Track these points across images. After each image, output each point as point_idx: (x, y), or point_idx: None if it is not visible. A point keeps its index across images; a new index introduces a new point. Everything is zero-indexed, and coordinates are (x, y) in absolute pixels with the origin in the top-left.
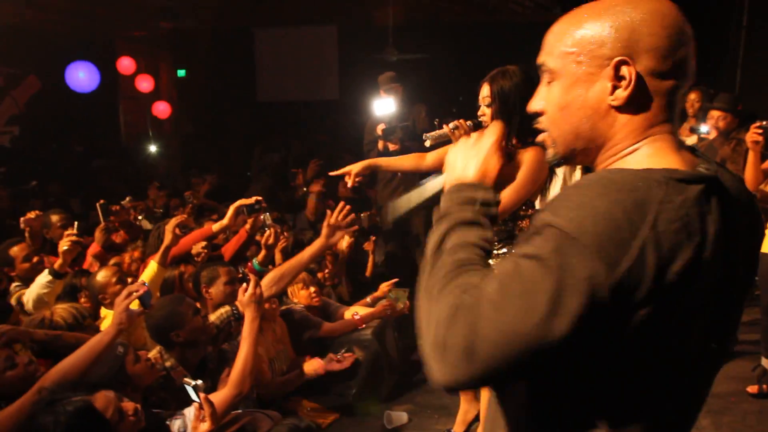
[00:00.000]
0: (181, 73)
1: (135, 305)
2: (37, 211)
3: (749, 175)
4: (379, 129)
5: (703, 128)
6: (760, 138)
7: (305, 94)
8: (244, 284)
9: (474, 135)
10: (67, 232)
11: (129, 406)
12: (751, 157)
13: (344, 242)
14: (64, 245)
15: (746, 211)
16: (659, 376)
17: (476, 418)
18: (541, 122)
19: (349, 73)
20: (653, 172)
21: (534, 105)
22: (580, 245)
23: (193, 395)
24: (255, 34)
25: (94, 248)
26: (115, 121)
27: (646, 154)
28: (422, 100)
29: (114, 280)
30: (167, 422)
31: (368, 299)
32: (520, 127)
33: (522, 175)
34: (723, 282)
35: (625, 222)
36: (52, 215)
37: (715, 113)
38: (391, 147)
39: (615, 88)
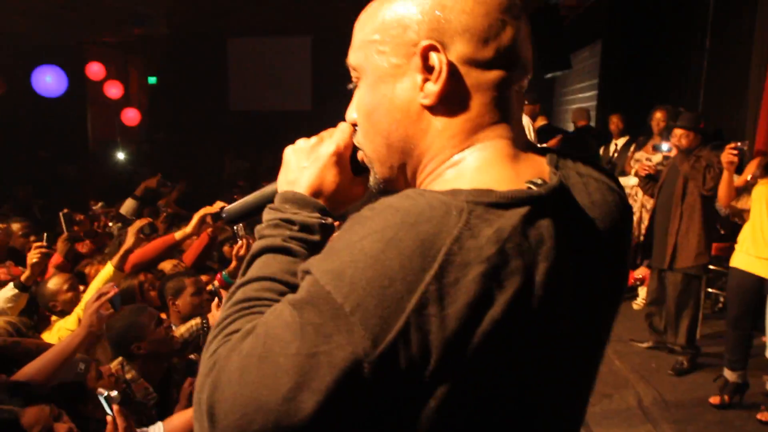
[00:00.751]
0: (152, 80)
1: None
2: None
3: (722, 192)
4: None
5: (665, 146)
6: (735, 159)
7: (278, 103)
8: (216, 299)
9: (320, 135)
10: (36, 244)
11: (61, 427)
12: (725, 176)
13: None
14: (33, 257)
15: (607, 213)
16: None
17: None
18: (357, 137)
19: (322, 84)
20: (458, 194)
21: (349, 116)
22: (335, 306)
23: (106, 407)
24: (228, 43)
25: (56, 259)
26: (83, 127)
27: (469, 168)
28: None
29: (65, 287)
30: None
31: None
32: None
33: None
34: (572, 314)
35: (398, 272)
36: (13, 224)
37: (678, 131)
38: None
39: (426, 81)
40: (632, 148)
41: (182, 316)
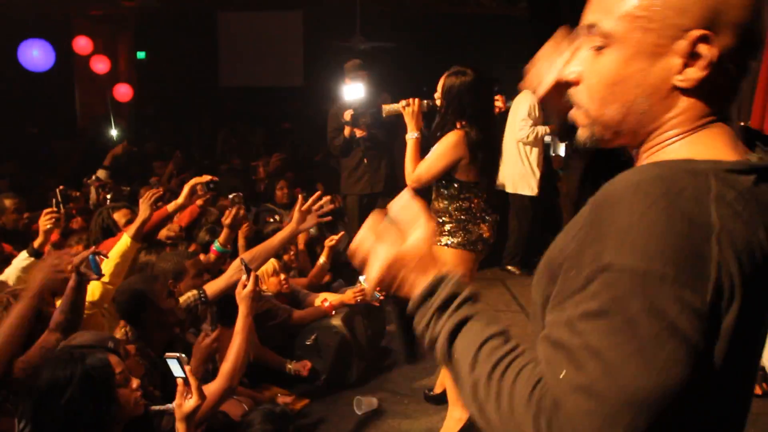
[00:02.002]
0: (141, 55)
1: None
2: None
3: None
4: (348, 115)
5: None
6: None
7: (269, 79)
8: (244, 278)
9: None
10: (47, 210)
11: (134, 381)
12: None
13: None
14: (46, 224)
15: None
16: (734, 395)
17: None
18: (574, 94)
19: (314, 60)
20: (696, 163)
21: (569, 73)
22: (655, 278)
23: (177, 370)
24: (218, 17)
25: (52, 235)
26: (71, 102)
27: (690, 142)
28: (388, 88)
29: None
30: (157, 414)
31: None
32: (458, 117)
33: (434, 150)
34: None
35: (691, 230)
36: (5, 200)
37: None
38: (359, 133)
39: (685, 65)
40: None
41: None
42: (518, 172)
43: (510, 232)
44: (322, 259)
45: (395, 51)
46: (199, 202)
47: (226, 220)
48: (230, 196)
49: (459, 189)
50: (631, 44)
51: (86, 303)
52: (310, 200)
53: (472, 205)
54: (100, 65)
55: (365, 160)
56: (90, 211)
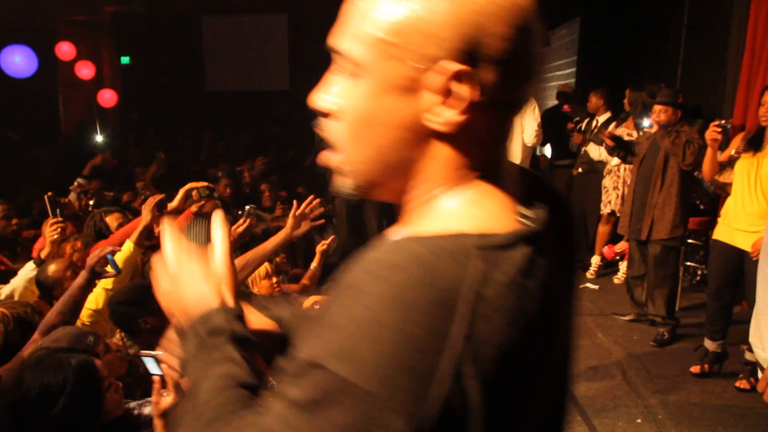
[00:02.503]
0: (125, 60)
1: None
2: None
3: (706, 167)
4: None
5: (646, 122)
6: (719, 137)
7: (255, 84)
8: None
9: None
10: (51, 221)
11: (115, 384)
12: (709, 152)
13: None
14: (53, 234)
15: (569, 232)
16: None
17: None
18: (329, 130)
19: (300, 63)
20: (463, 238)
21: (322, 102)
22: (361, 395)
23: (153, 368)
24: (202, 21)
25: (41, 243)
26: (55, 108)
27: (463, 200)
28: None
29: (68, 274)
30: (134, 411)
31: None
32: None
33: None
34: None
35: (425, 340)
36: None
37: (657, 107)
38: None
39: (441, 104)
40: (613, 125)
41: None
42: None
43: None
44: (313, 265)
45: None
46: (193, 208)
47: (238, 229)
48: (246, 208)
49: None
50: (380, 75)
51: (89, 311)
52: (303, 205)
53: None
54: (85, 71)
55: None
56: (79, 216)
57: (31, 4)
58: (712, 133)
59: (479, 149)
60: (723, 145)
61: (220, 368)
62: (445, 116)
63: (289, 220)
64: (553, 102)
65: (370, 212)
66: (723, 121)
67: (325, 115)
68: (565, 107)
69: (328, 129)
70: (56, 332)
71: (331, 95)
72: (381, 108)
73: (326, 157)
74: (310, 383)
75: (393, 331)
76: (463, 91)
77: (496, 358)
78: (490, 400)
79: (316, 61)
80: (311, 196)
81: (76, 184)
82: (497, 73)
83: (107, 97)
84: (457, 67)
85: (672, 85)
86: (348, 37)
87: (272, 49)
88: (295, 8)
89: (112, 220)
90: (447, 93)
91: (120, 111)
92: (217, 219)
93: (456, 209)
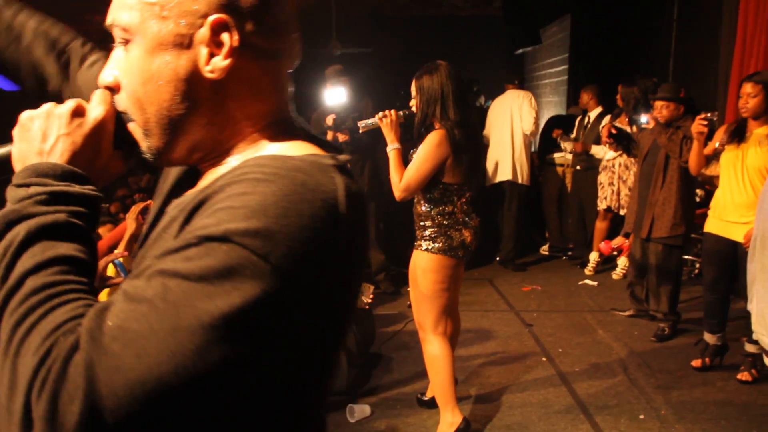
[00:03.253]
0: None
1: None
2: None
3: (692, 161)
4: (330, 119)
5: (643, 118)
6: (705, 129)
7: None
8: None
9: (75, 101)
10: None
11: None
12: (694, 145)
13: None
14: None
15: None
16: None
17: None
18: (119, 103)
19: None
20: (319, 157)
21: (104, 78)
22: (268, 270)
23: None
24: None
25: None
26: None
27: (279, 147)
28: (368, 93)
29: None
30: None
31: None
32: (437, 116)
33: (418, 154)
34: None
35: (323, 232)
36: None
37: (659, 103)
38: (341, 138)
39: (212, 55)
40: (606, 120)
41: None
42: (524, 162)
43: (506, 223)
44: None
45: (373, 55)
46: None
47: None
48: None
49: (443, 192)
50: (151, 36)
51: None
52: None
53: (456, 209)
54: None
55: (348, 165)
56: None
57: None
58: (698, 126)
59: (261, 98)
60: (709, 138)
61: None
62: (213, 63)
63: None
64: (546, 99)
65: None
66: (709, 114)
67: (112, 90)
68: (555, 132)
69: (118, 103)
70: None
71: (111, 70)
72: (155, 67)
73: (131, 129)
74: (212, 256)
75: (299, 217)
76: (224, 38)
77: (356, 262)
78: (341, 305)
79: (307, 64)
80: None
81: None
82: (255, 23)
83: None
84: (218, 16)
85: (664, 80)
86: (116, 8)
87: None
88: None
89: (104, 231)
90: (215, 43)
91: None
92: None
93: (280, 147)
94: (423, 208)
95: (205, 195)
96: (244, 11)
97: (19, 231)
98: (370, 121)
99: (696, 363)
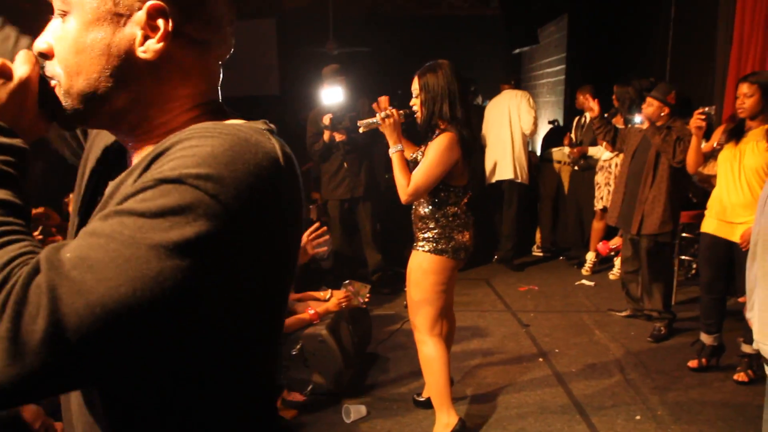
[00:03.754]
0: None
1: None
2: None
3: (690, 158)
4: (327, 119)
5: (638, 119)
6: (703, 124)
7: (245, 89)
8: None
9: None
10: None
11: (59, 425)
12: (693, 141)
13: None
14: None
15: None
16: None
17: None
18: (48, 68)
19: (289, 67)
20: (254, 124)
21: (40, 44)
22: (219, 209)
23: None
24: None
25: None
26: None
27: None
28: (365, 92)
29: None
30: None
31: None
32: (445, 115)
33: (427, 156)
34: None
35: (255, 173)
36: None
37: (648, 99)
38: (338, 137)
39: (146, 37)
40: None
41: None
42: (523, 162)
43: (505, 223)
44: None
45: (370, 55)
46: None
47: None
48: None
49: (447, 195)
50: (89, 10)
51: None
52: (308, 232)
53: (459, 210)
54: None
55: (345, 164)
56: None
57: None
58: (697, 121)
59: (191, 83)
60: (706, 136)
61: None
62: (147, 44)
63: None
64: (544, 99)
65: (363, 215)
66: (707, 109)
67: (45, 56)
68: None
69: (47, 69)
70: None
71: (46, 38)
72: (89, 39)
73: (56, 91)
74: (167, 197)
75: (245, 165)
76: (160, 23)
77: (295, 214)
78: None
79: (305, 64)
80: (316, 224)
81: (70, 196)
82: (190, 14)
83: None
84: (154, 2)
85: (662, 79)
86: None
87: (261, 53)
88: (283, 12)
89: None
90: (150, 27)
91: None
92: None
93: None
94: (425, 210)
95: (155, 155)
96: (181, 2)
97: None
98: (371, 120)
99: (693, 363)
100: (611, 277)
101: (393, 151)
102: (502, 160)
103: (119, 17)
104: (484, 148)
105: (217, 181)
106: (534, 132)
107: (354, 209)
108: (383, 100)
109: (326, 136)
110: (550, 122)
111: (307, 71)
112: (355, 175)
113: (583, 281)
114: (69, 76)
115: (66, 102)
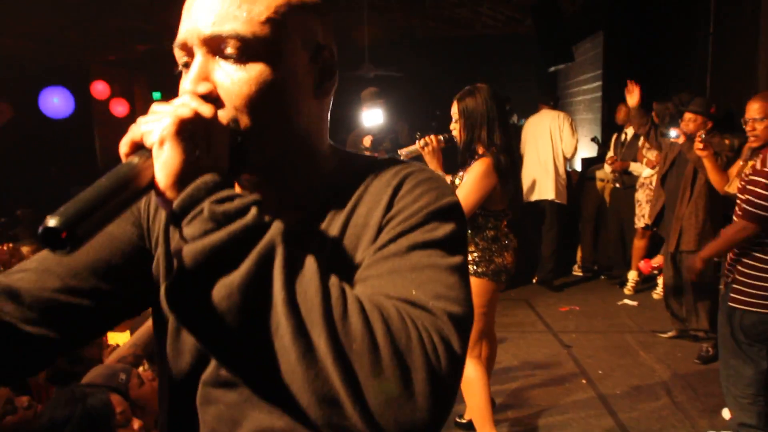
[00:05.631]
0: (157, 95)
1: None
2: (8, 244)
3: (713, 179)
4: (368, 140)
5: (673, 133)
6: (702, 147)
7: None
8: None
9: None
10: None
11: (135, 422)
12: (707, 165)
13: None
14: None
15: None
16: None
17: None
18: (221, 114)
19: None
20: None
21: (198, 88)
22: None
23: None
24: None
25: None
26: (91, 146)
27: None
28: (402, 115)
29: None
30: None
31: None
32: (483, 140)
33: (465, 183)
34: None
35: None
36: (22, 246)
37: (687, 115)
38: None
39: (322, 79)
40: (642, 138)
41: None
42: (562, 183)
43: (545, 243)
44: None
45: (406, 77)
46: None
47: None
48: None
49: (486, 218)
50: (277, 51)
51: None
52: None
53: (498, 234)
54: (120, 108)
55: None
56: None
57: (67, 47)
58: (696, 144)
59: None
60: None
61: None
62: (324, 85)
63: None
64: (580, 116)
65: None
66: (703, 133)
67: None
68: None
69: (218, 113)
70: (94, 370)
71: (202, 81)
72: (274, 79)
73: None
74: (445, 228)
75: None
76: (329, 62)
77: None
78: None
79: (341, 86)
80: None
81: None
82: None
83: None
84: (325, 43)
85: (702, 95)
86: (227, 21)
87: None
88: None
89: None
90: (321, 65)
91: None
92: None
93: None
94: None
95: (391, 193)
96: (331, 35)
97: (272, 241)
98: (411, 148)
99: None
100: (655, 296)
101: None
102: (543, 181)
103: (300, 57)
104: (521, 167)
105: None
106: (574, 155)
107: None
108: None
109: None
110: (592, 139)
111: (343, 94)
112: None
113: (626, 301)
114: (256, 119)
115: (256, 147)
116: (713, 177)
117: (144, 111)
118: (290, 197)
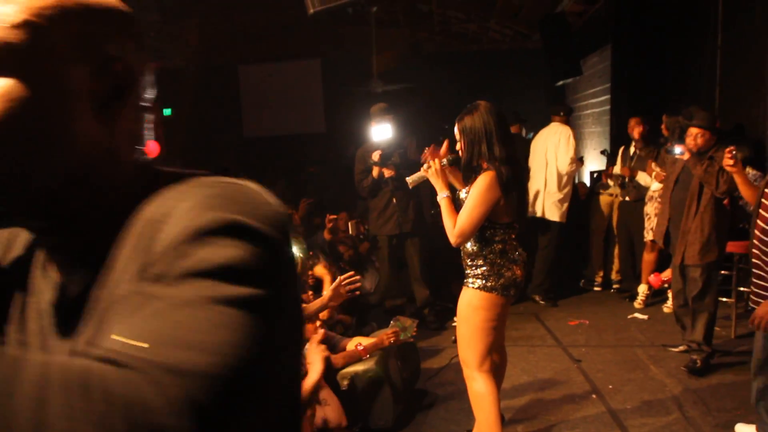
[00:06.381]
0: (167, 112)
1: None
2: None
3: (745, 194)
4: (376, 155)
5: (677, 149)
6: (732, 162)
7: (291, 128)
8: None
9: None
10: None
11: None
12: (738, 179)
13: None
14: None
15: None
16: None
17: None
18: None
19: (334, 106)
20: None
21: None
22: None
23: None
24: (239, 71)
25: None
26: None
27: None
28: (411, 130)
29: None
30: None
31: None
32: (484, 155)
33: (469, 198)
34: None
35: None
36: None
37: (693, 130)
38: (387, 173)
39: None
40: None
41: None
42: (554, 200)
43: (538, 258)
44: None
45: (413, 92)
46: None
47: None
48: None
49: (493, 232)
50: None
51: None
52: (340, 278)
53: (507, 247)
54: None
55: (394, 200)
56: None
57: None
58: (726, 160)
59: None
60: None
61: None
62: None
63: (329, 292)
64: (589, 129)
65: (411, 250)
66: (733, 148)
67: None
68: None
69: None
70: None
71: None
72: None
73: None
74: None
75: None
76: None
77: None
78: None
79: (350, 102)
80: (351, 272)
81: None
82: None
83: (151, 148)
84: None
85: (710, 108)
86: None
87: (307, 93)
88: (328, 53)
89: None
90: None
91: (163, 160)
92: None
93: None
94: (473, 247)
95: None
96: (128, 55)
97: None
98: (416, 176)
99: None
100: (665, 310)
101: (440, 198)
102: (536, 197)
103: None
104: (527, 180)
105: None
106: (571, 171)
107: (402, 244)
108: (427, 152)
109: (375, 172)
110: (602, 152)
111: (351, 109)
112: (403, 211)
113: (636, 315)
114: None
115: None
116: (745, 191)
117: (154, 127)
118: (76, 242)
